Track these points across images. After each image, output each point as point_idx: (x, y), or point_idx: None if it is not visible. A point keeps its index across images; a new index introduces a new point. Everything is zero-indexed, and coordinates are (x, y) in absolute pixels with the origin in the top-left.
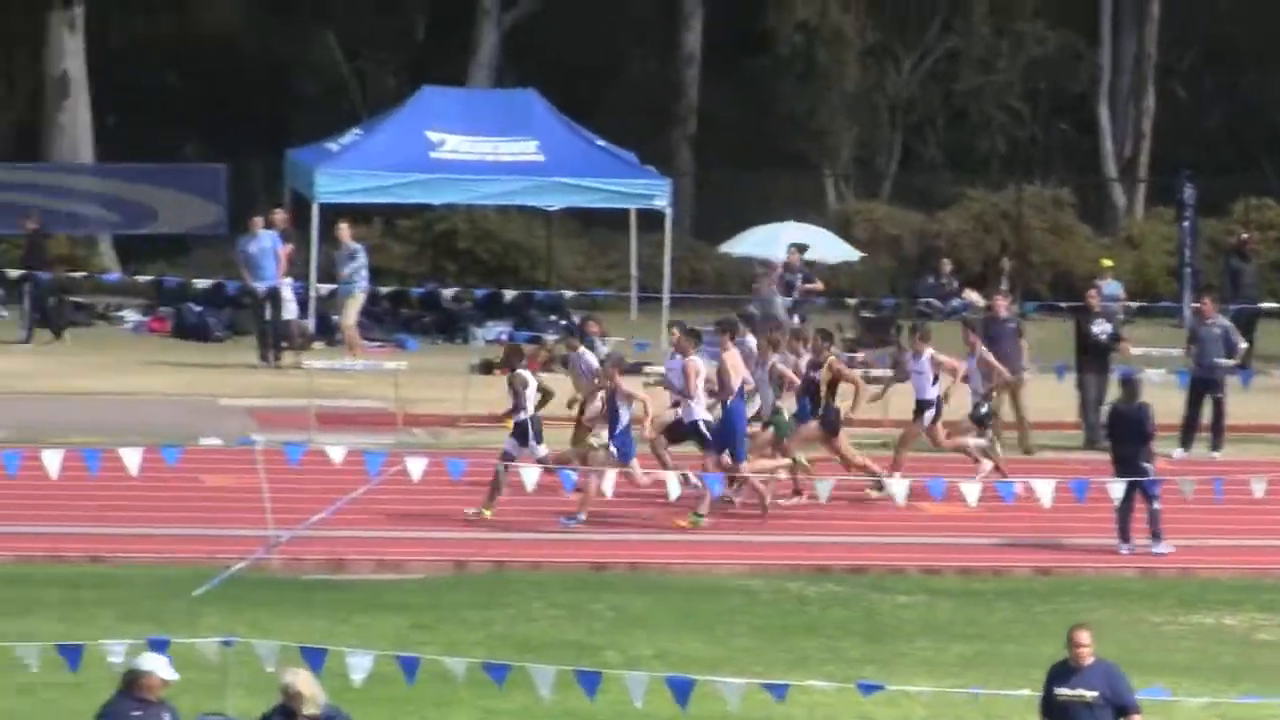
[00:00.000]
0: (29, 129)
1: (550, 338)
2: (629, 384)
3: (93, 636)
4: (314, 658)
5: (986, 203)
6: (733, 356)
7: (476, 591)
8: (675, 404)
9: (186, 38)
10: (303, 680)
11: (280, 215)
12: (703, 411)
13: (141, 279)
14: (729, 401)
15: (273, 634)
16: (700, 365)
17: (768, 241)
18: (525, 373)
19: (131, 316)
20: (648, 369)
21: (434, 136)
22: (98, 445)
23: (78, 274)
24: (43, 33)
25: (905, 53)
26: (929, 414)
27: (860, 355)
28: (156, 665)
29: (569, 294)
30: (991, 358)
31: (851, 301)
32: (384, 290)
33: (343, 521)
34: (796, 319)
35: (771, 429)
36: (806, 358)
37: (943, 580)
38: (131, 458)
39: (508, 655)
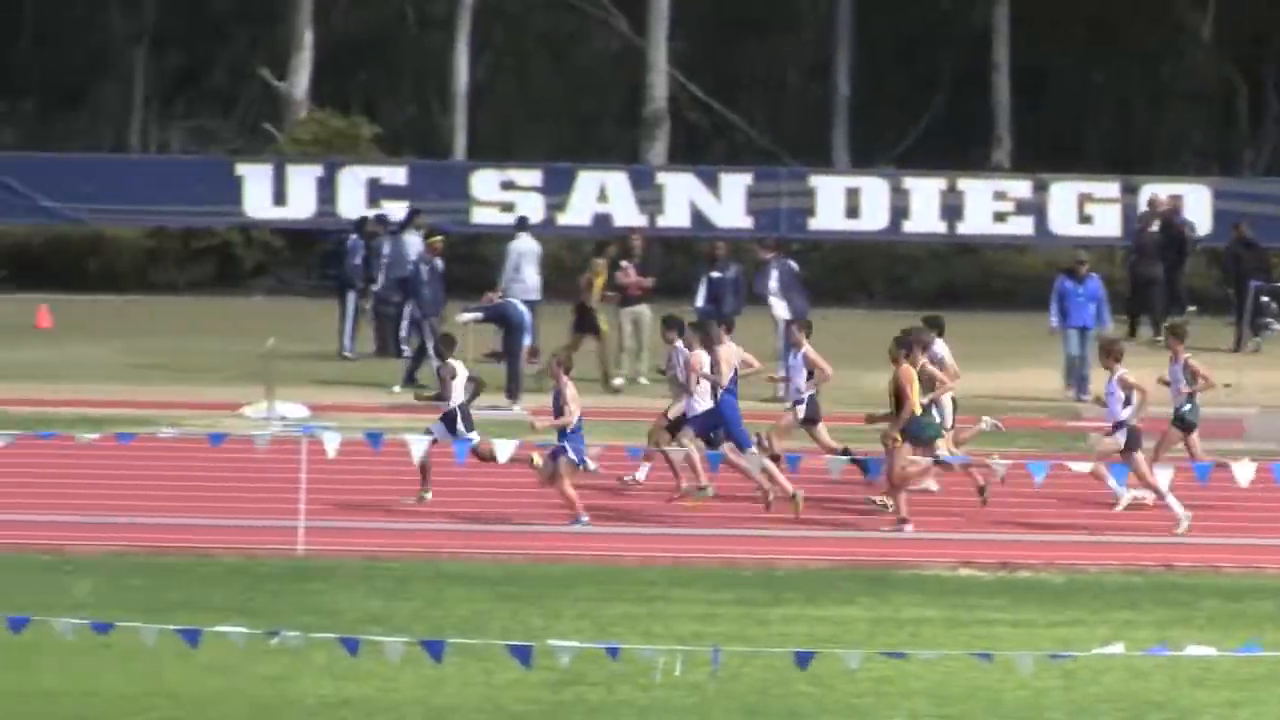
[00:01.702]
0: None
1: None
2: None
3: None
4: None
5: None
6: (725, 349)
7: None
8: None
9: None
10: None
11: None
12: (704, 405)
13: None
14: (720, 394)
15: None
16: (703, 359)
17: None
18: (455, 363)
19: None
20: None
21: None
22: None
23: None
24: None
25: None
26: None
27: None
28: None
29: None
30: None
31: None
32: None
33: None
34: None
35: (794, 410)
36: None
37: None
38: None
39: None
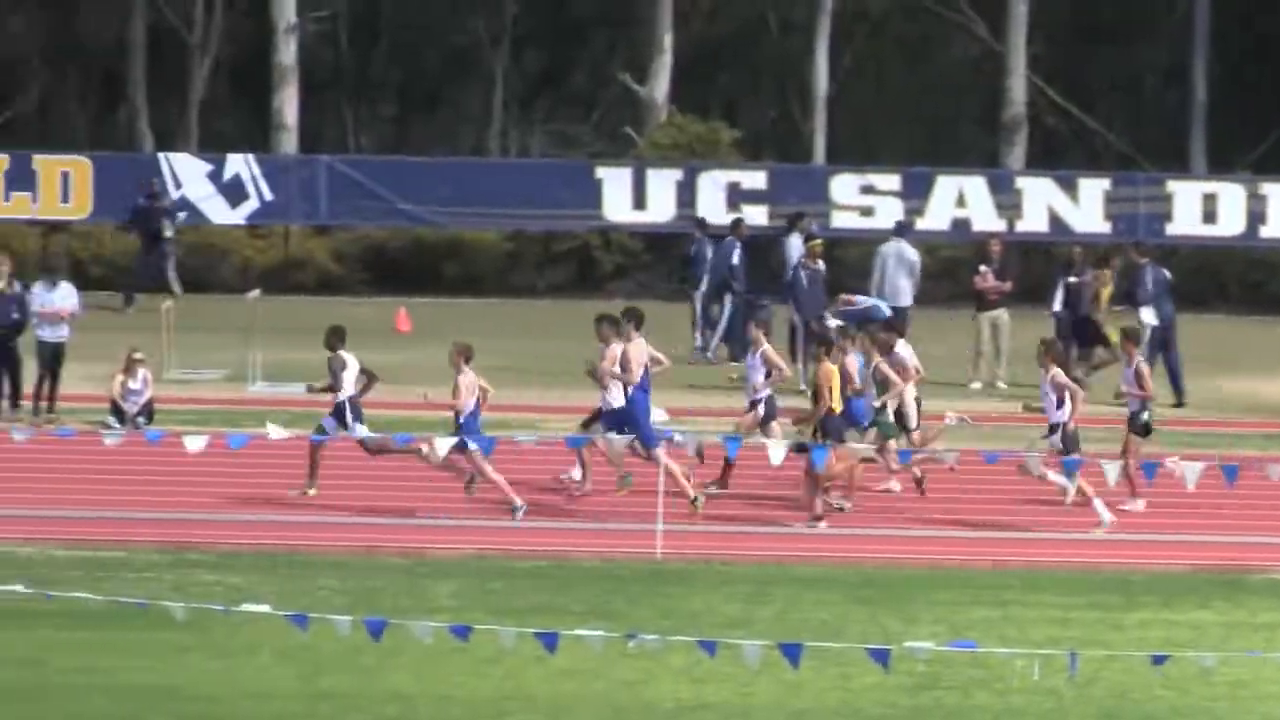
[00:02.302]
0: None
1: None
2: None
3: None
4: None
5: None
6: (636, 347)
7: None
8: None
9: None
10: None
11: None
12: (616, 400)
13: None
14: (630, 390)
15: None
16: (616, 353)
17: None
18: (347, 355)
19: None
20: None
21: None
22: None
23: None
24: None
25: None
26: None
27: None
28: None
29: None
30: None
31: None
32: None
33: None
34: None
35: (755, 410)
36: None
37: None
38: None
39: None
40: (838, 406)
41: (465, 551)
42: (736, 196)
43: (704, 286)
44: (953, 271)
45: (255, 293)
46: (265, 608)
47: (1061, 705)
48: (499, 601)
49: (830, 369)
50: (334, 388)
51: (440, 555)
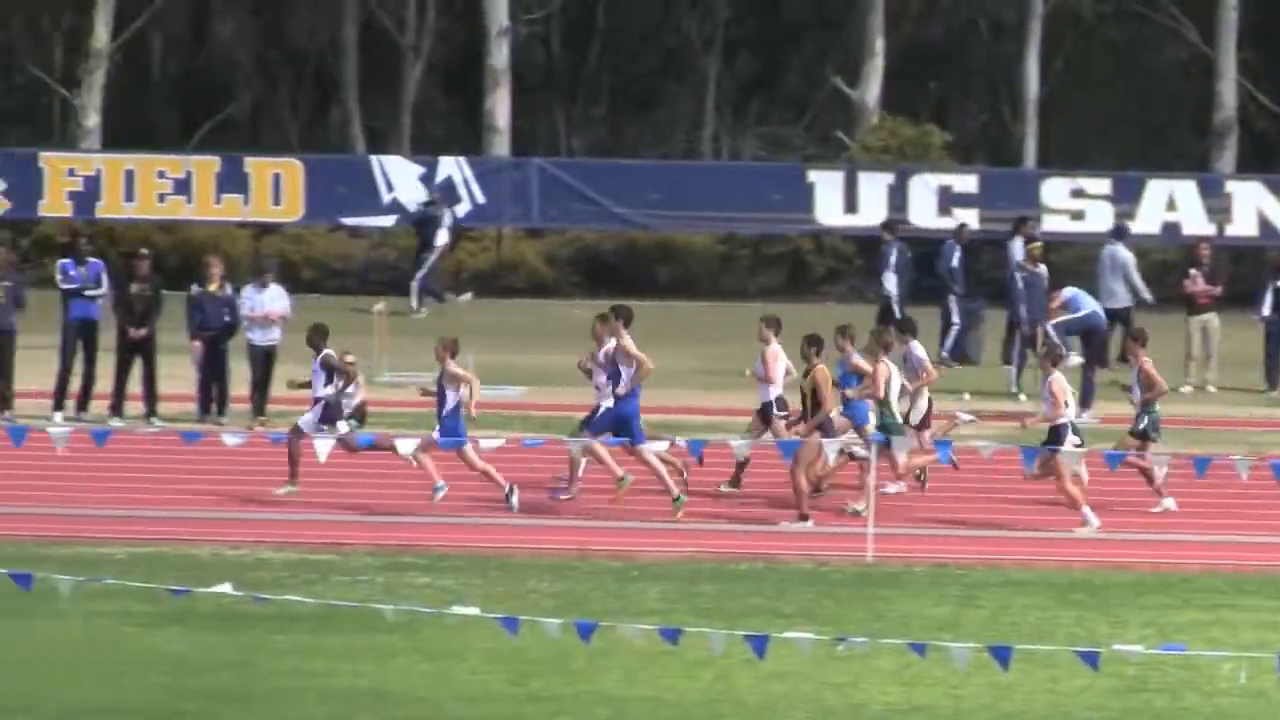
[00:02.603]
0: None
1: None
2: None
3: None
4: None
5: None
6: (629, 343)
7: None
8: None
9: None
10: None
11: None
12: (607, 400)
13: None
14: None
15: None
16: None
17: None
18: (331, 353)
19: None
20: None
21: None
22: None
23: None
24: None
25: None
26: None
27: None
28: None
29: None
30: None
31: None
32: None
33: None
34: None
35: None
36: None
37: None
38: None
39: None
40: (834, 410)
41: (676, 554)
42: (947, 200)
43: (895, 289)
44: (1163, 276)
45: (467, 295)
46: (475, 610)
47: (1270, 707)
48: (708, 604)
49: (824, 371)
50: (312, 385)
51: (651, 558)
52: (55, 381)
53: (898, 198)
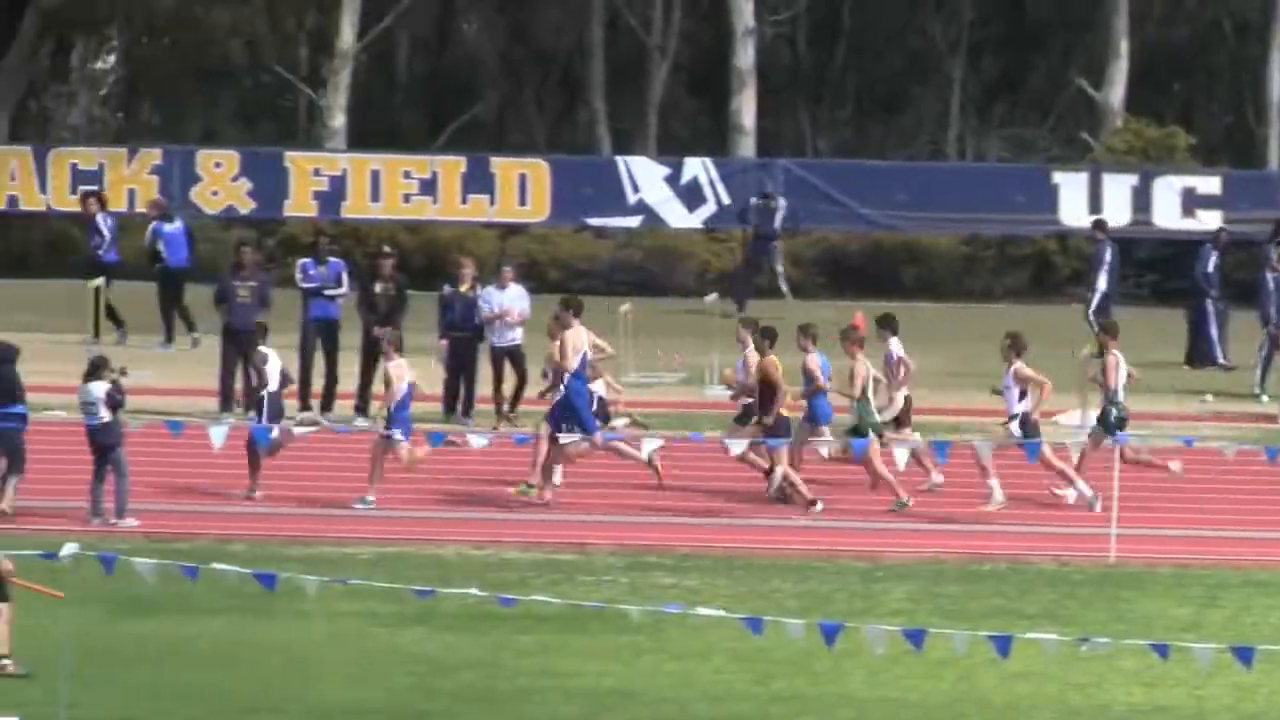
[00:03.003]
0: None
1: None
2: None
3: None
4: None
5: None
6: (574, 334)
7: None
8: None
9: None
10: None
11: None
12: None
13: None
14: (567, 379)
15: None
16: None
17: None
18: (267, 350)
19: None
20: None
21: None
22: None
23: None
24: None
25: None
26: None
27: None
28: None
29: None
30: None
31: None
32: None
33: None
34: None
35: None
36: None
37: None
38: None
39: None
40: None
41: (922, 555)
42: (1191, 202)
43: (1103, 287)
44: None
45: (713, 296)
46: (719, 611)
47: None
48: (952, 605)
49: (772, 360)
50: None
51: (896, 559)
52: (295, 381)
53: (1142, 199)
